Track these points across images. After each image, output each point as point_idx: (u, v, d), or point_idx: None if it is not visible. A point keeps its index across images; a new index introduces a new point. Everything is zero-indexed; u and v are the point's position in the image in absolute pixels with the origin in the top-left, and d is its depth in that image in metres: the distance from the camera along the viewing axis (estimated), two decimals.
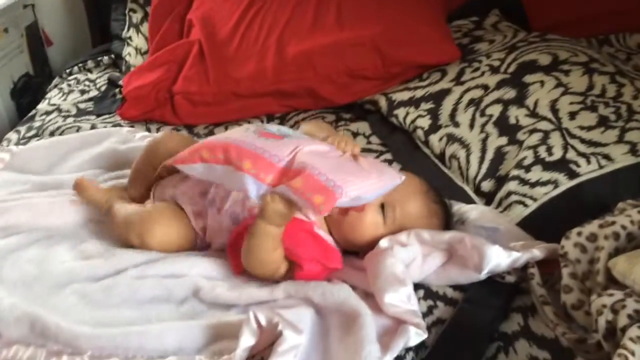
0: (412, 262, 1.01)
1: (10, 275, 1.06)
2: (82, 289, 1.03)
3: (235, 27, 1.73)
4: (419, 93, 1.52)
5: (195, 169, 1.06)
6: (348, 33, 1.62)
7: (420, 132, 1.42)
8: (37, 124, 1.75)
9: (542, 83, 1.34)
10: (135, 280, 1.04)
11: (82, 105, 1.85)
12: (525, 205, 1.12)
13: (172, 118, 1.69)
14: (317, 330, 0.92)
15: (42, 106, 1.89)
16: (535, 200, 1.12)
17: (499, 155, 1.25)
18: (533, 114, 1.28)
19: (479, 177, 1.24)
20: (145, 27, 1.99)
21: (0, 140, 1.72)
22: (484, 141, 1.29)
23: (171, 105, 1.69)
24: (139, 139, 1.53)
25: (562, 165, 1.15)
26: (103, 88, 1.94)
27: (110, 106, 1.80)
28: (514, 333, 0.91)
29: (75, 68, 2.12)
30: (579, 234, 0.95)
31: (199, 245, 1.15)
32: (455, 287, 1.01)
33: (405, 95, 1.53)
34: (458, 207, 1.16)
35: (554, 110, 1.27)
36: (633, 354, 0.75)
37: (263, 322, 0.88)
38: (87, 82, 2.01)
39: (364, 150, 1.43)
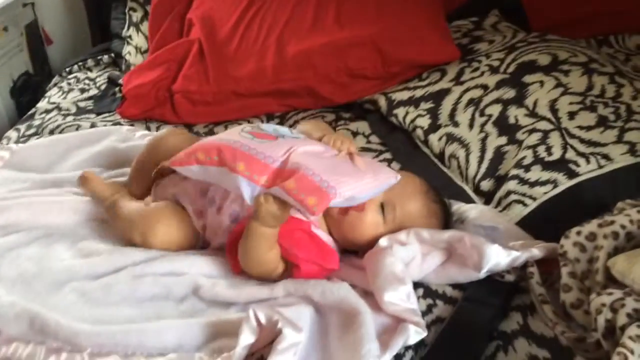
0: (411, 260, 1.02)
1: (9, 273, 1.07)
2: (81, 287, 1.03)
3: (235, 26, 1.73)
4: (418, 93, 1.52)
5: (192, 171, 1.07)
6: (348, 32, 1.62)
7: (419, 132, 1.42)
8: (36, 122, 1.75)
9: (541, 83, 1.34)
10: (135, 279, 1.04)
11: (82, 104, 1.84)
12: (525, 205, 1.12)
13: (172, 117, 1.69)
14: (317, 329, 0.92)
15: (42, 104, 1.89)
16: (534, 199, 1.12)
17: (499, 155, 1.25)
18: (532, 113, 1.28)
19: (479, 176, 1.24)
20: (145, 26, 1.99)
21: None
22: (484, 141, 1.29)
23: (171, 104, 1.69)
24: (138, 137, 1.53)
25: (562, 165, 1.15)
26: (103, 87, 1.94)
27: (110, 105, 1.80)
28: (514, 332, 0.91)
29: (75, 67, 2.11)
30: (578, 233, 0.95)
31: (199, 243, 1.15)
32: (455, 286, 1.01)
33: (404, 95, 1.54)
34: (457, 207, 1.16)
35: (554, 110, 1.27)
36: (632, 352, 0.75)
37: (263, 320, 0.88)
38: (87, 81, 2.01)
39: (363, 149, 1.44)
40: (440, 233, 1.04)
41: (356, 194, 0.97)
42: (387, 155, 1.42)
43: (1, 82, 2.12)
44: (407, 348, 0.90)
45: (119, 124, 1.67)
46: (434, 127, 1.40)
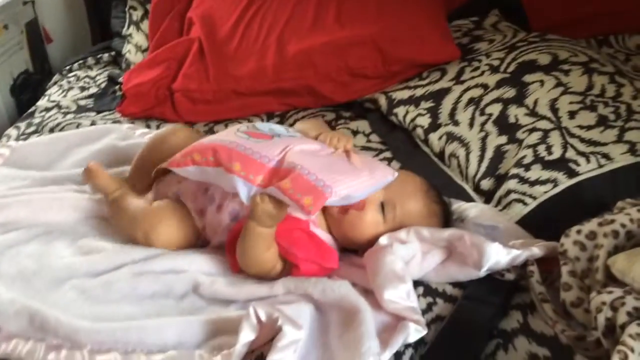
0: (411, 259, 1.02)
1: (9, 271, 1.06)
2: (81, 284, 1.03)
3: (235, 25, 1.73)
4: (418, 92, 1.52)
5: (188, 172, 1.08)
6: (348, 32, 1.62)
7: (420, 131, 1.42)
8: (36, 120, 1.75)
9: (541, 82, 1.34)
10: (135, 276, 1.04)
11: (82, 102, 1.84)
12: (525, 204, 1.12)
13: (172, 115, 1.69)
14: (317, 326, 0.92)
15: (42, 103, 1.88)
16: (534, 198, 1.12)
17: (499, 154, 1.25)
18: (533, 113, 1.28)
19: (479, 175, 1.24)
20: (145, 25, 1.99)
21: None
22: (484, 140, 1.29)
23: (171, 102, 1.69)
24: (139, 135, 1.53)
25: (562, 164, 1.15)
26: (103, 85, 1.93)
27: (110, 103, 1.79)
28: (513, 330, 0.91)
29: (75, 65, 2.11)
30: (579, 232, 0.95)
31: (200, 242, 1.15)
32: (455, 284, 1.01)
33: (405, 94, 1.54)
34: (457, 206, 1.16)
35: (554, 109, 1.27)
36: (632, 350, 0.75)
37: (263, 317, 0.88)
38: (87, 79, 2.00)
39: (363, 148, 1.44)
40: (441, 231, 1.04)
41: (352, 192, 0.97)
42: (387, 154, 1.42)
43: (1, 80, 2.11)
44: (407, 346, 0.90)
45: (119, 122, 1.67)
46: (434, 126, 1.40)
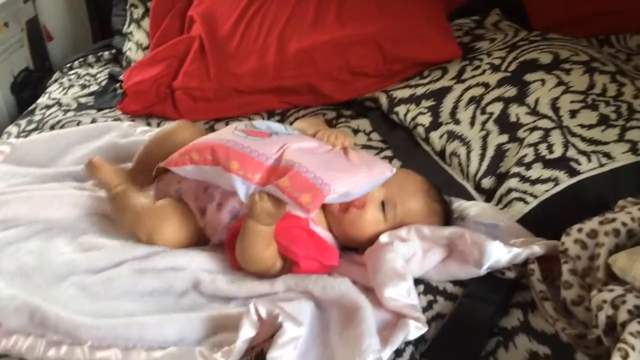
0: (412, 257, 1.02)
1: (9, 267, 1.06)
2: (81, 281, 1.03)
3: (236, 24, 1.73)
4: (419, 90, 1.52)
5: (187, 171, 1.08)
6: (349, 30, 1.62)
7: (420, 130, 1.42)
8: (37, 117, 1.75)
9: (542, 81, 1.34)
10: (135, 273, 1.04)
11: (82, 100, 1.84)
12: (526, 202, 1.12)
13: (173, 113, 1.69)
14: (317, 323, 0.92)
15: (43, 100, 1.88)
16: (535, 197, 1.12)
17: (500, 153, 1.25)
18: (534, 112, 1.28)
19: (480, 174, 1.24)
20: (146, 23, 1.99)
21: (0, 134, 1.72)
22: (485, 139, 1.29)
23: (172, 100, 1.69)
24: (139, 133, 1.53)
25: (563, 163, 1.15)
26: (104, 83, 1.93)
27: (110, 101, 1.79)
28: (514, 328, 0.91)
29: (76, 63, 2.11)
30: (580, 230, 0.95)
31: (201, 240, 1.15)
32: (455, 283, 1.01)
33: (406, 93, 1.54)
34: (458, 204, 1.16)
35: (555, 108, 1.27)
36: (633, 348, 0.75)
37: (263, 314, 0.88)
38: (87, 77, 2.00)
39: (364, 147, 1.44)
40: (441, 230, 1.03)
41: (350, 190, 0.97)
42: (388, 153, 1.42)
43: (2, 77, 2.11)
44: (407, 343, 0.90)
45: (119, 120, 1.67)
46: (435, 124, 1.40)
